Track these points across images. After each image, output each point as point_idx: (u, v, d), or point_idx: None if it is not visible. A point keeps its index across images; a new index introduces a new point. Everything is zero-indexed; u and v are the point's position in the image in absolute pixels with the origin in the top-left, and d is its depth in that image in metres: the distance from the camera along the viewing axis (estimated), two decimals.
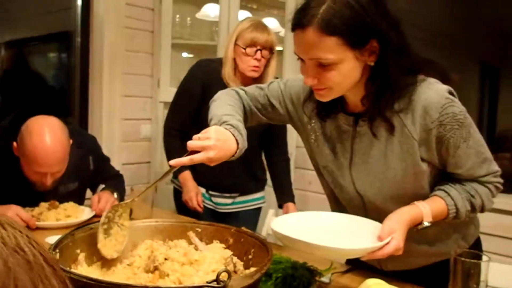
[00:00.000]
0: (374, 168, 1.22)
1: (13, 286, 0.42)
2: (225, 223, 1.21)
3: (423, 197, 1.22)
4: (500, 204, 2.40)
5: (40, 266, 0.45)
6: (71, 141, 1.80)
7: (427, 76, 1.18)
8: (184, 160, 1.09)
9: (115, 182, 2.10)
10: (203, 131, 1.13)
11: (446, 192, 1.20)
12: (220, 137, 1.12)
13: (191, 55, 3.44)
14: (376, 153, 1.21)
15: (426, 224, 1.17)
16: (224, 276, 0.80)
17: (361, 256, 1.10)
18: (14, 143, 1.73)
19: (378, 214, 1.23)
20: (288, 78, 1.41)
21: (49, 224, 1.74)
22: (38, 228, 1.71)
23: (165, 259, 1.06)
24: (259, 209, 2.39)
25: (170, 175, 2.32)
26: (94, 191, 2.13)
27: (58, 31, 3.33)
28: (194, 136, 1.11)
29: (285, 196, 2.30)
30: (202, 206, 2.16)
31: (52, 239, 1.27)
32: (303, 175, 3.15)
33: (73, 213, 1.84)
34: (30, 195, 1.83)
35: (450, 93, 1.15)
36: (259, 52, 2.08)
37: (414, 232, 1.26)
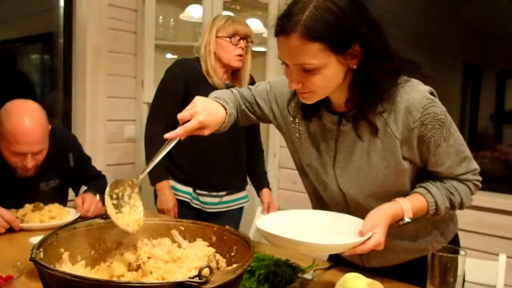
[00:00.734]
0: (357, 166, 1.25)
1: None
2: (211, 222, 1.22)
3: (404, 194, 1.25)
4: (480, 201, 2.46)
5: None
6: (49, 126, 1.83)
7: (408, 77, 1.21)
8: (178, 131, 1.14)
9: (97, 183, 2.11)
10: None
11: (427, 189, 1.24)
12: (206, 104, 1.21)
13: (175, 56, 3.44)
14: (359, 151, 1.24)
15: (407, 220, 1.20)
16: (206, 272, 0.82)
17: (343, 251, 1.13)
18: None
19: (360, 211, 1.25)
20: (274, 79, 1.44)
21: (33, 225, 1.74)
22: (22, 230, 1.71)
23: (148, 257, 1.07)
24: (242, 208, 2.43)
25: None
26: (76, 192, 2.13)
27: (40, 32, 3.30)
28: (182, 111, 1.18)
29: (262, 184, 2.41)
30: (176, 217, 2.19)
31: (36, 239, 1.27)
32: (287, 174, 3.17)
33: (58, 215, 1.84)
34: (13, 193, 1.83)
35: (431, 93, 1.19)
36: (242, 41, 2.18)
37: (395, 228, 1.29)
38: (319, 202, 1.42)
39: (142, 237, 1.18)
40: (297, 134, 1.35)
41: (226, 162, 2.24)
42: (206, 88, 2.13)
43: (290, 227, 1.23)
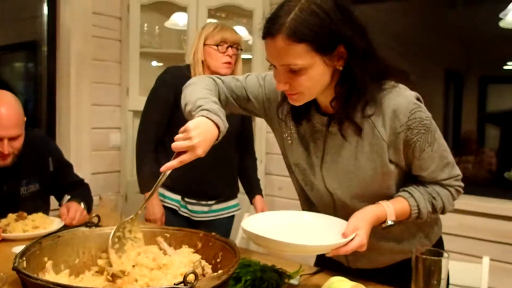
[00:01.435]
0: (344, 167, 1.26)
1: None
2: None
3: (390, 197, 1.27)
4: (463, 205, 2.49)
5: None
6: (25, 118, 1.86)
7: (397, 82, 1.23)
8: (174, 163, 1.12)
9: (81, 191, 2.09)
10: (182, 129, 1.14)
11: (410, 193, 1.25)
12: (201, 131, 1.14)
13: (160, 64, 3.44)
14: (346, 153, 1.25)
15: (389, 222, 1.22)
16: (191, 278, 0.81)
17: (327, 252, 1.13)
18: None
19: (346, 211, 1.26)
20: (267, 73, 1.42)
21: (16, 235, 1.71)
22: (4, 240, 1.68)
23: (133, 265, 1.07)
24: (233, 216, 2.39)
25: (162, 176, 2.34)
26: (59, 200, 2.12)
27: (24, 40, 3.28)
28: (176, 137, 1.13)
29: (255, 191, 2.38)
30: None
31: (19, 249, 1.25)
32: (272, 181, 3.18)
33: (42, 224, 1.81)
34: None
35: (418, 99, 1.21)
36: (230, 48, 2.16)
37: (380, 231, 1.30)
38: (307, 199, 1.43)
39: None
40: (288, 135, 1.37)
41: (215, 170, 2.21)
42: None
43: (275, 228, 1.23)
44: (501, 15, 2.61)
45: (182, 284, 0.81)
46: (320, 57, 1.12)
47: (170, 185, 2.21)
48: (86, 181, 2.21)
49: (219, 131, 1.19)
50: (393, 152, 1.22)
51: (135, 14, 3.08)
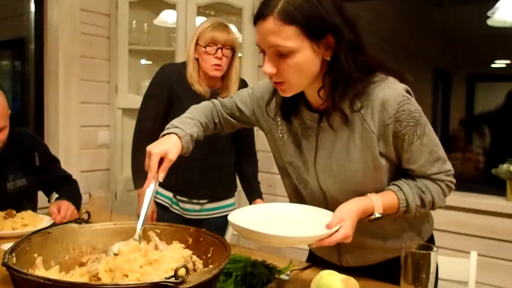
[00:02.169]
0: (337, 162, 1.27)
1: None
2: None
3: None
4: (452, 201, 2.50)
5: None
6: (9, 111, 1.87)
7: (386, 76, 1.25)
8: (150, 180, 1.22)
9: (68, 187, 2.09)
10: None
11: (399, 187, 1.25)
12: (158, 143, 1.29)
13: (149, 62, 3.43)
14: (338, 147, 1.26)
15: (377, 215, 1.21)
16: (182, 272, 0.81)
17: (311, 243, 1.13)
18: None
19: None
20: (256, 84, 1.50)
21: (4, 233, 1.70)
22: None
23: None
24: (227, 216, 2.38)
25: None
26: (47, 195, 2.11)
27: (11, 38, 3.25)
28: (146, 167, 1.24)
29: (255, 194, 2.35)
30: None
31: (8, 246, 1.24)
32: (263, 178, 3.16)
33: (31, 222, 1.80)
34: None
35: (408, 92, 1.22)
36: (219, 50, 2.11)
37: (373, 228, 1.31)
38: (299, 202, 1.43)
39: (117, 241, 1.17)
40: (279, 134, 1.38)
41: (207, 171, 2.19)
42: (189, 94, 2.13)
43: (261, 221, 1.22)
44: (489, 14, 2.64)
45: (173, 278, 0.81)
46: (309, 42, 1.14)
47: (163, 181, 2.21)
48: (75, 179, 2.19)
49: (179, 138, 1.31)
50: (383, 144, 1.22)
51: (123, 11, 3.07)
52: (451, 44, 3.02)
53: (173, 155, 1.26)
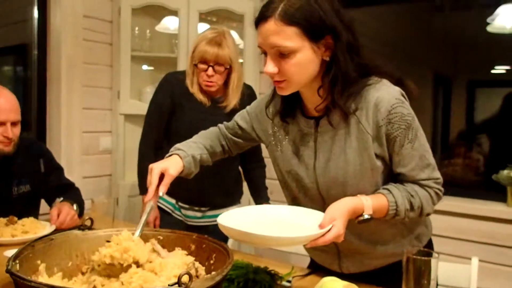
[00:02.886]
0: (336, 165, 1.28)
1: None
2: None
3: None
4: (452, 207, 2.52)
5: None
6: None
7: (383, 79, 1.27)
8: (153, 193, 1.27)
9: (72, 194, 2.09)
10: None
11: (389, 190, 1.26)
12: (162, 162, 1.35)
13: (151, 68, 3.44)
14: (336, 150, 1.28)
15: (366, 216, 1.21)
16: (185, 279, 0.82)
17: (304, 243, 1.13)
18: None
19: None
20: (253, 102, 1.55)
21: (2, 240, 1.70)
22: None
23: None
24: None
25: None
26: (49, 204, 2.12)
27: (14, 44, 3.27)
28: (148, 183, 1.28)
29: (262, 199, 2.33)
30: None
31: (11, 253, 1.25)
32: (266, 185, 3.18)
33: (32, 229, 1.80)
34: None
35: (402, 95, 1.24)
36: (210, 68, 2.08)
37: (371, 234, 1.32)
38: None
39: None
40: (278, 146, 1.40)
41: (206, 180, 2.13)
42: (191, 102, 2.14)
43: (253, 223, 1.22)
44: (488, 20, 2.65)
45: (177, 285, 0.81)
46: (309, 43, 1.17)
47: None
48: (77, 185, 2.21)
49: (181, 159, 1.38)
50: (377, 146, 1.24)
51: (126, 17, 3.08)
52: (451, 50, 3.03)
53: (173, 171, 1.32)
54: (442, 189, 1.31)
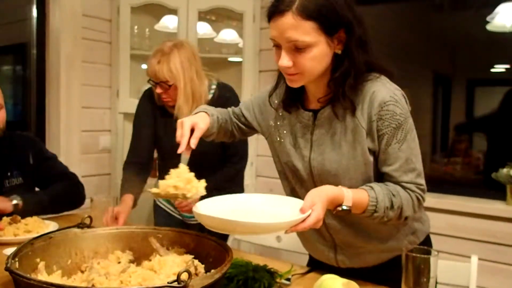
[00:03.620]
0: (330, 157, 1.29)
1: None
2: None
3: None
4: (451, 205, 2.52)
5: None
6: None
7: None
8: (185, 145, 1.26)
9: (58, 185, 2.10)
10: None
11: (370, 186, 1.26)
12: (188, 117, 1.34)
13: None
14: (331, 142, 1.29)
15: (344, 207, 1.19)
16: (184, 276, 0.82)
17: (285, 229, 1.11)
18: None
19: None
20: (257, 92, 1.54)
21: (4, 239, 1.69)
22: None
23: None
24: None
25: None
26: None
27: (13, 43, 3.26)
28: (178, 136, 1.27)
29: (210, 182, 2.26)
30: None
31: (10, 251, 1.25)
32: (264, 182, 3.19)
33: (35, 228, 1.79)
34: None
35: (400, 95, 1.25)
36: (158, 85, 2.02)
37: (366, 228, 1.33)
38: None
39: (118, 246, 1.18)
40: (277, 137, 1.42)
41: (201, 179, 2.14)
42: (166, 112, 2.12)
43: (231, 211, 1.20)
44: (488, 19, 2.65)
45: (176, 282, 0.81)
46: (324, 37, 1.19)
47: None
48: (72, 175, 2.21)
49: (207, 113, 1.39)
50: (370, 140, 1.25)
51: (125, 16, 3.08)
52: (450, 49, 3.03)
53: (202, 125, 1.32)
54: (424, 196, 1.30)
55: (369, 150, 1.26)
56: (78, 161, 3.02)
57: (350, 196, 1.20)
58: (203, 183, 1.16)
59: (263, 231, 1.13)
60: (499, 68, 2.91)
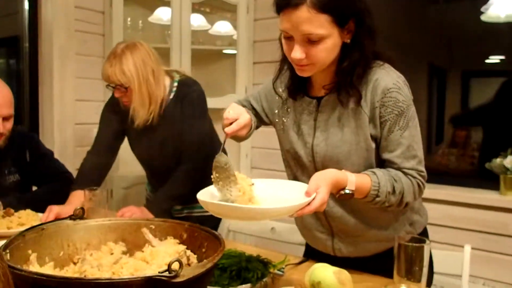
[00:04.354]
0: (332, 143, 1.31)
1: None
2: None
3: None
4: (445, 195, 2.53)
5: None
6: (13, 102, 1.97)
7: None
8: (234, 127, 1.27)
9: (48, 186, 2.11)
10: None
11: (373, 171, 1.27)
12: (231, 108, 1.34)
13: None
14: (335, 129, 1.31)
15: (347, 191, 1.20)
16: (175, 266, 0.82)
17: (291, 214, 1.12)
18: None
19: (334, 197, 1.28)
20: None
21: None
22: None
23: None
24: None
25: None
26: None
27: (5, 36, 3.24)
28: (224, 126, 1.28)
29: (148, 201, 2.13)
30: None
31: (1, 243, 1.25)
32: (259, 174, 3.18)
33: (28, 221, 1.79)
34: None
35: (403, 82, 1.27)
36: (115, 89, 1.95)
37: (365, 216, 1.35)
38: None
39: (112, 237, 1.17)
40: (281, 125, 1.44)
41: (162, 179, 2.06)
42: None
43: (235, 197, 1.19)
44: (482, 9, 2.64)
45: (167, 272, 0.81)
46: (337, 29, 1.20)
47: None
48: (66, 174, 2.22)
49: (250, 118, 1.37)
50: (372, 126, 1.27)
51: (118, 8, 3.06)
52: (445, 40, 3.03)
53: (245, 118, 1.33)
54: (425, 183, 1.31)
55: (371, 136, 1.27)
56: (72, 154, 3.00)
57: (354, 180, 1.21)
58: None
59: (269, 216, 1.15)
60: (494, 59, 2.91)
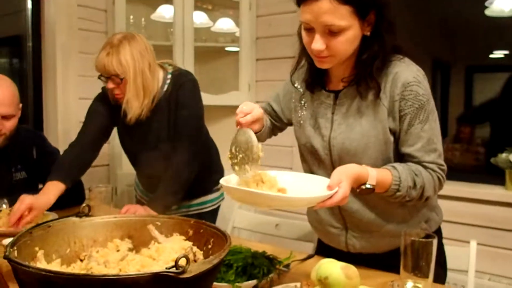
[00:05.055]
0: (350, 136, 1.31)
1: None
2: None
3: None
4: (450, 191, 2.52)
5: None
6: (21, 105, 1.99)
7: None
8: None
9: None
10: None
11: (393, 166, 1.27)
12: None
13: None
14: (353, 121, 1.31)
15: (368, 186, 1.21)
16: (183, 262, 0.82)
17: (313, 205, 1.13)
18: None
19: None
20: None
21: (3, 230, 1.69)
22: None
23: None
24: (217, 209, 2.25)
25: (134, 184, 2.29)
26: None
27: (8, 35, 3.24)
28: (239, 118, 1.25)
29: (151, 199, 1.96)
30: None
31: (8, 241, 1.25)
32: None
33: (34, 220, 1.79)
34: None
35: (422, 75, 1.27)
36: (109, 80, 1.90)
37: (381, 211, 1.35)
38: None
39: (118, 234, 1.17)
40: (299, 119, 1.45)
41: (152, 176, 2.02)
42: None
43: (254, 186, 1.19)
44: (486, 4, 2.63)
45: (174, 268, 0.81)
46: (358, 21, 1.20)
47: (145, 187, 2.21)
48: None
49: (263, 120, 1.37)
50: (391, 120, 1.27)
51: (120, 6, 3.06)
52: (449, 35, 3.02)
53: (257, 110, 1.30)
54: (444, 176, 1.31)
55: (390, 130, 1.27)
56: None
57: (374, 175, 1.21)
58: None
59: (294, 205, 1.19)
60: (498, 54, 2.90)
